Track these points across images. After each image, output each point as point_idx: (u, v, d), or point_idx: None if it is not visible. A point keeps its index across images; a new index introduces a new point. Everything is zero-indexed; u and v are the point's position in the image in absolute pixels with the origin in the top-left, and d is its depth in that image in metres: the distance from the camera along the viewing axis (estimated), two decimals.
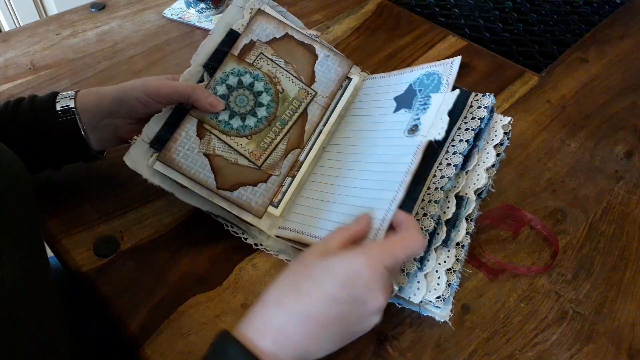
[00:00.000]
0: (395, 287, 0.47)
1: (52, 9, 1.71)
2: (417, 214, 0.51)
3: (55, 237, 0.57)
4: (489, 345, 0.50)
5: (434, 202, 0.51)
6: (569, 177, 0.65)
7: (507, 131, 0.57)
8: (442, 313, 0.50)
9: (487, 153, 0.56)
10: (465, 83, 0.77)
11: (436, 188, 0.52)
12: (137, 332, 0.50)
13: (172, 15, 0.88)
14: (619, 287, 0.55)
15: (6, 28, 1.70)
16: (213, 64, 0.58)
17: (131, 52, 0.80)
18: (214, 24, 0.85)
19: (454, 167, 0.52)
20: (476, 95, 0.57)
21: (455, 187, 0.53)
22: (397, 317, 0.52)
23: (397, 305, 0.52)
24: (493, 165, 0.56)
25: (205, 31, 0.85)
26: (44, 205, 0.59)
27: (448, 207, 0.52)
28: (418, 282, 0.49)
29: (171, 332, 0.50)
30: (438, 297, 0.49)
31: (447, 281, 0.50)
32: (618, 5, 0.94)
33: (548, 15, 0.92)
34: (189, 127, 0.55)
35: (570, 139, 0.70)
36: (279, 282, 0.43)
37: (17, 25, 1.69)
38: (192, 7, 0.87)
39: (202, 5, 0.86)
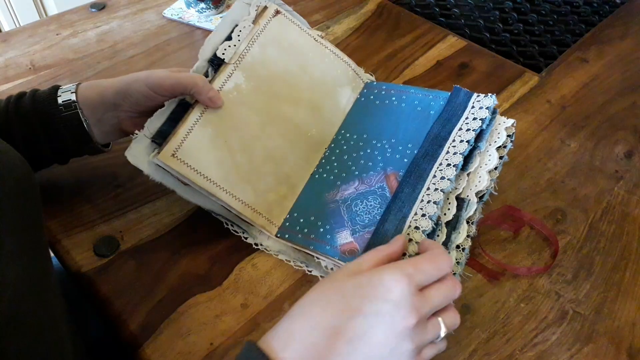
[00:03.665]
0: (442, 329, 0.42)
1: (52, 9, 1.71)
2: (415, 214, 0.50)
3: (55, 237, 0.57)
4: (489, 345, 0.50)
5: (433, 202, 0.50)
6: (569, 177, 0.65)
7: (511, 134, 0.56)
8: None
9: (490, 155, 0.54)
10: (465, 83, 0.77)
11: (436, 189, 0.51)
12: (137, 332, 0.50)
13: (172, 15, 0.88)
14: (619, 287, 0.55)
15: (6, 28, 1.70)
16: (218, 60, 0.58)
17: (131, 52, 0.80)
18: (214, 24, 0.86)
19: (454, 168, 0.52)
20: (478, 96, 0.56)
21: (456, 188, 0.53)
22: None
23: None
24: (496, 168, 0.55)
25: (205, 31, 0.85)
26: (44, 205, 0.59)
27: (449, 209, 0.52)
28: None
29: (171, 332, 0.50)
30: None
31: None
32: (618, 5, 0.94)
33: (548, 15, 0.92)
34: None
35: (570, 139, 0.70)
36: (307, 295, 0.42)
37: (17, 25, 1.69)
38: (192, 7, 0.87)
39: (202, 5, 0.86)
